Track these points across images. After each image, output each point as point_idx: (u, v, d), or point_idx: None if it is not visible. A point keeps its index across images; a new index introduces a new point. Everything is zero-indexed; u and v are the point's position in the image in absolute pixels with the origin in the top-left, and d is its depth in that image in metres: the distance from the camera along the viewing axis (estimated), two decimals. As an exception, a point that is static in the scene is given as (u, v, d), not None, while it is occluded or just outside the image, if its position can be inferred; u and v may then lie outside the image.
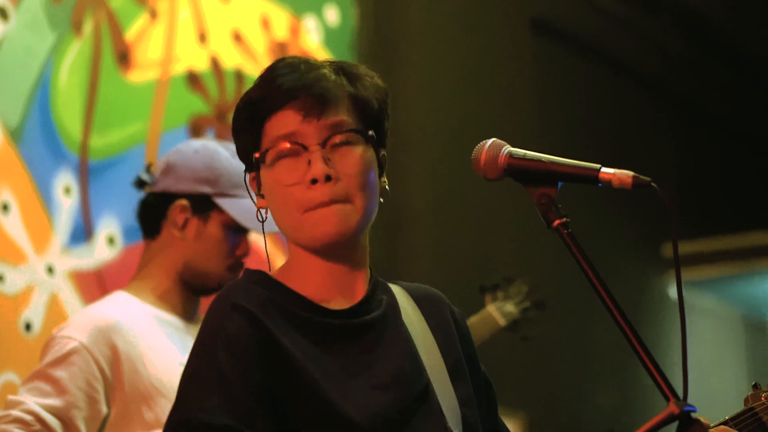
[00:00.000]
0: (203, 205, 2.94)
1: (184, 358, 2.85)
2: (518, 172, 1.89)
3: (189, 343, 2.91)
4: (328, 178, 1.93)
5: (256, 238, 3.75)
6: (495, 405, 2.16)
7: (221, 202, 2.92)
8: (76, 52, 3.89)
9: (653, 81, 7.99)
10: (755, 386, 2.00)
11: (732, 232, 7.89)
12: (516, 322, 3.56)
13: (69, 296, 3.76)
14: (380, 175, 2.04)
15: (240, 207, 2.92)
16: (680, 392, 1.72)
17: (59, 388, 2.72)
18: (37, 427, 2.68)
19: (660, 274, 7.84)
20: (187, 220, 2.94)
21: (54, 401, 2.71)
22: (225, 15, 4.54)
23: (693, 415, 1.71)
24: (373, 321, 2.01)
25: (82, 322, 2.83)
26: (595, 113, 7.27)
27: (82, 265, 3.82)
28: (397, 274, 2.56)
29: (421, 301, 2.12)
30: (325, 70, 1.98)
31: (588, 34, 7.24)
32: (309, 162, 1.94)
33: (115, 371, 2.77)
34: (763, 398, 1.96)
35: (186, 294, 2.97)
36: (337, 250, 1.99)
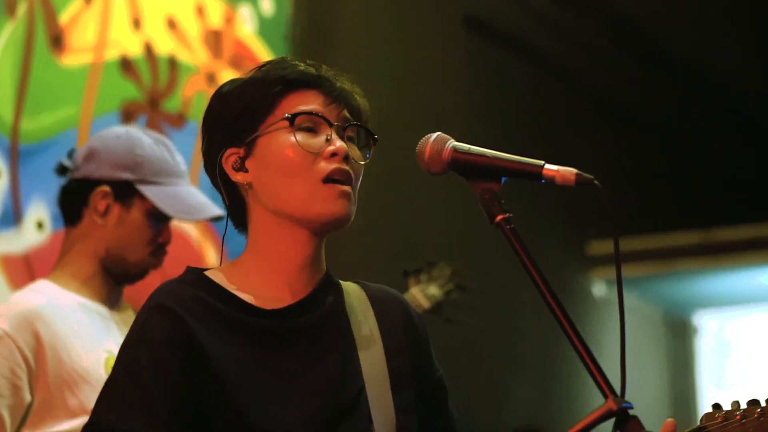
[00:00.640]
0: (125, 191, 2.92)
1: (108, 345, 2.84)
2: (462, 166, 1.90)
3: (113, 329, 2.90)
4: (346, 158, 1.98)
5: (181, 227, 3.73)
6: (444, 402, 2.15)
7: (144, 189, 2.91)
8: (8, 34, 3.84)
9: (581, 80, 8.05)
10: (716, 406, 2.01)
11: (654, 232, 7.98)
12: (439, 304, 3.55)
13: (-5, 280, 3.72)
14: None
15: (163, 194, 2.90)
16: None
17: None
18: None
19: (584, 271, 7.92)
20: (109, 207, 2.92)
21: None
22: (160, 1, 4.50)
23: (630, 412, 1.73)
24: (308, 322, 2.01)
25: (5, 310, 2.81)
26: (525, 111, 7.32)
27: (10, 249, 3.78)
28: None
29: (377, 302, 2.11)
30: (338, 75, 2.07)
31: (520, 33, 7.28)
32: (327, 139, 1.98)
33: (38, 359, 2.75)
34: (719, 419, 1.97)
35: (108, 281, 2.95)
36: (322, 236, 2.00)
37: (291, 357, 1.96)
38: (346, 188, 1.98)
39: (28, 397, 2.75)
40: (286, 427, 1.89)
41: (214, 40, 4.71)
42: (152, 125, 4.34)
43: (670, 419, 1.92)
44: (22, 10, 3.88)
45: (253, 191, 2.00)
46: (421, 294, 3.53)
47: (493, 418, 6.72)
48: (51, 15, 4.00)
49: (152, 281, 2.51)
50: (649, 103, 8.92)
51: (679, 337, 9.45)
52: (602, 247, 7.92)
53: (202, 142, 2.09)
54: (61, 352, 2.78)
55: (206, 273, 2.01)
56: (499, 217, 1.86)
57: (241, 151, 2.00)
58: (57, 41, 4.02)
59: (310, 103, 2.00)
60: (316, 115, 1.99)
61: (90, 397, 2.72)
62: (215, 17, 4.75)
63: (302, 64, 2.04)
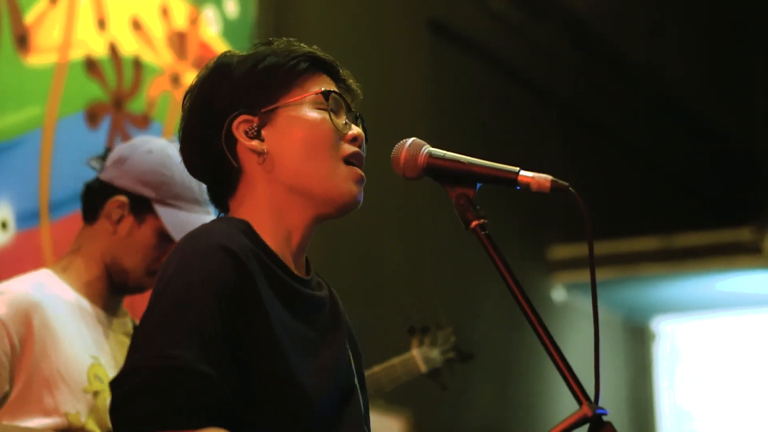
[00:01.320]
0: (142, 206, 2.90)
1: (95, 351, 2.83)
2: (437, 171, 1.91)
3: (104, 337, 2.88)
4: (361, 145, 2.01)
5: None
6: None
7: (160, 209, 2.89)
8: (-27, 32, 3.83)
9: (541, 85, 8.09)
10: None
11: (614, 237, 8.02)
12: (437, 370, 3.48)
13: (-42, 280, 3.69)
14: None
15: (176, 219, 2.88)
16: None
17: None
18: None
19: (544, 276, 7.94)
20: (123, 217, 2.90)
21: None
22: (124, 2, 4.49)
23: (603, 417, 1.74)
24: (323, 301, 2.01)
25: (3, 295, 2.79)
26: (488, 116, 7.34)
27: (-27, 249, 3.75)
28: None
29: (338, 300, 2.11)
30: None
31: (483, 37, 7.31)
32: (345, 123, 2.00)
33: (24, 350, 2.74)
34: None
35: (110, 287, 2.93)
36: (323, 220, 2.00)
37: (312, 329, 1.95)
38: (361, 175, 2.00)
39: (6, 387, 2.72)
40: (316, 397, 1.88)
41: (179, 41, 4.70)
42: (117, 126, 4.32)
43: None
44: (-13, 9, 3.86)
45: (267, 161, 1.97)
46: (422, 357, 3.45)
47: (455, 425, 6.74)
48: (16, 14, 3.98)
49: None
50: (610, 109, 8.98)
51: (637, 342, 9.49)
52: (562, 251, 7.95)
53: (191, 104, 2.04)
54: (49, 349, 2.76)
55: (252, 226, 1.96)
56: (474, 223, 1.86)
57: (256, 120, 1.98)
58: (22, 41, 3.99)
59: (331, 87, 2.03)
60: (343, 99, 2.02)
61: (66, 400, 2.72)
62: (180, 18, 4.74)
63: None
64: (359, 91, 2.09)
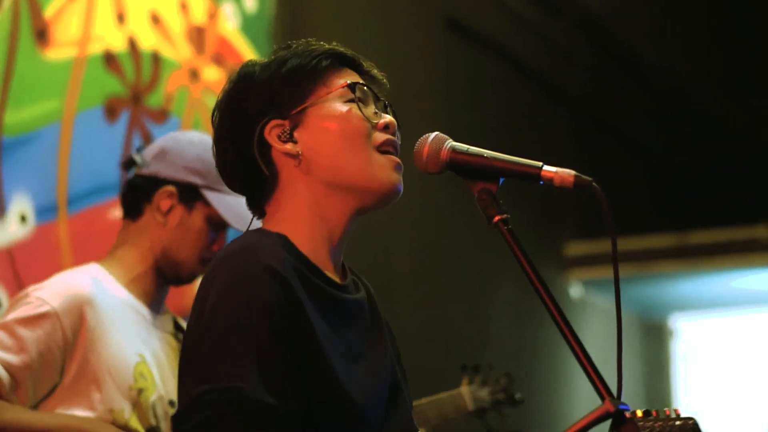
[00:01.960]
0: (190, 194, 2.94)
1: (141, 349, 2.86)
2: (460, 166, 1.91)
3: (151, 334, 2.92)
4: (394, 133, 2.01)
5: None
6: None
7: (209, 195, 2.93)
8: (-7, 26, 3.83)
9: (554, 83, 8.08)
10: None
11: (630, 234, 8.00)
12: (484, 410, 3.47)
13: (-23, 273, 3.70)
14: None
15: (225, 203, 2.92)
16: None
17: (20, 346, 2.72)
18: None
19: (560, 273, 7.93)
20: (172, 207, 2.94)
21: (11, 357, 2.70)
22: (143, -4, 4.49)
23: (626, 413, 1.73)
24: (362, 303, 2.02)
25: (60, 287, 2.82)
26: (499, 112, 7.33)
27: (-7, 242, 3.76)
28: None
29: (374, 298, 2.11)
30: None
31: (498, 34, 7.30)
32: (375, 112, 2.02)
33: (77, 343, 2.77)
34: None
35: (158, 281, 2.96)
36: (365, 212, 2.00)
37: (356, 334, 1.96)
38: (398, 161, 2.00)
39: (56, 378, 2.77)
40: (364, 402, 1.89)
41: (197, 36, 4.70)
42: (135, 120, 4.32)
43: None
44: (7, 3, 3.86)
45: (303, 162, 1.98)
46: (470, 395, 3.44)
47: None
48: (36, 9, 3.98)
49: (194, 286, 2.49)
50: (624, 107, 8.96)
51: (654, 339, 9.47)
52: (578, 248, 7.94)
53: (220, 118, 2.05)
54: (99, 345, 2.79)
55: (286, 235, 1.96)
56: (497, 218, 1.86)
57: (287, 123, 1.99)
58: (41, 35, 4.00)
59: (357, 79, 2.04)
60: (370, 89, 2.04)
61: (112, 396, 2.77)
62: (198, 13, 4.74)
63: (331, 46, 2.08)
64: (385, 80, 2.10)
